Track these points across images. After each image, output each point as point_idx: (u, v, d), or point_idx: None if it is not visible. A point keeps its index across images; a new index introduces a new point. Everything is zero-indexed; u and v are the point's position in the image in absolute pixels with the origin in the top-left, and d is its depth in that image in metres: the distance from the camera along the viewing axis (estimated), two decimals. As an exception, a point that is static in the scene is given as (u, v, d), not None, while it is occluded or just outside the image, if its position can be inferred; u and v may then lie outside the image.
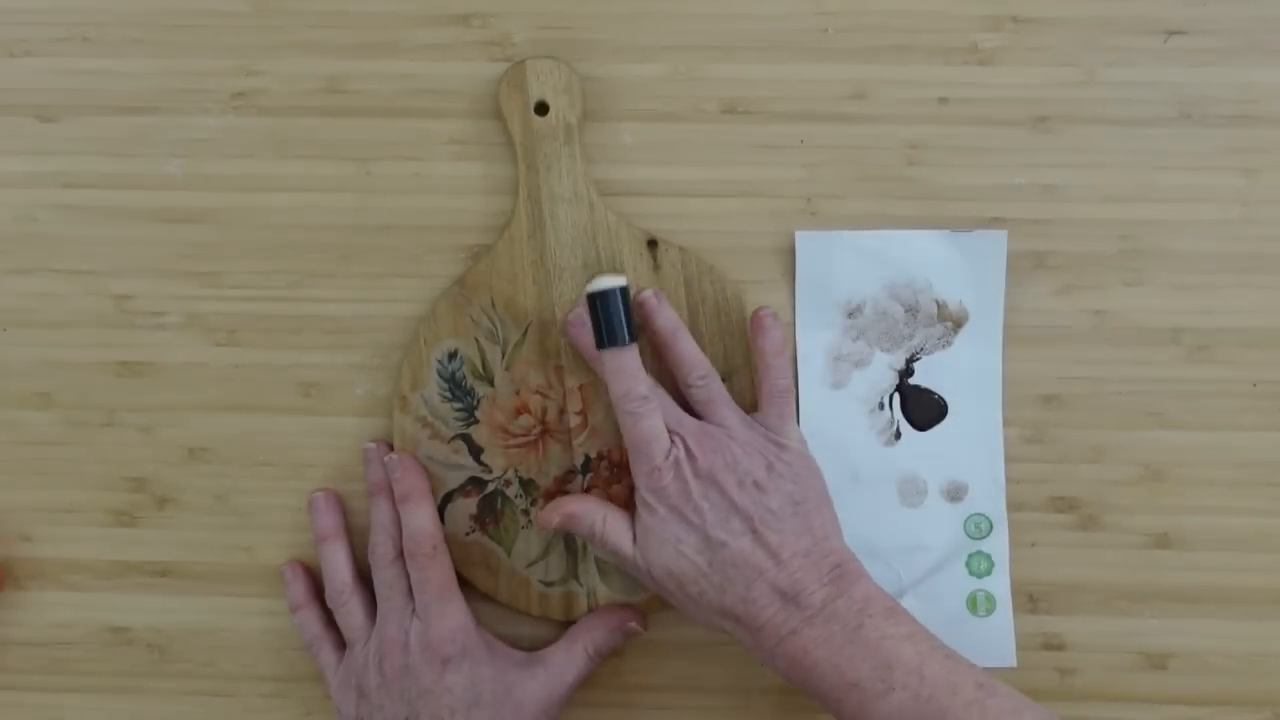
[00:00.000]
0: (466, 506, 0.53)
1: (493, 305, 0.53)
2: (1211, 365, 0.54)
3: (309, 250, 0.55)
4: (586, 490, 0.53)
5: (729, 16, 0.55)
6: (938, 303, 0.54)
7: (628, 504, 0.53)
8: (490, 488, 0.53)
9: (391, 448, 0.54)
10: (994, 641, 0.54)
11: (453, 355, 0.54)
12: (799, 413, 0.54)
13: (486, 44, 0.55)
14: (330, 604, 0.53)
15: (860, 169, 0.55)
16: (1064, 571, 0.55)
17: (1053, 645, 0.54)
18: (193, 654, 0.56)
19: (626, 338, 0.48)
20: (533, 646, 0.53)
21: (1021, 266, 0.54)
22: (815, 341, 0.54)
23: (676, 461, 0.48)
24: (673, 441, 0.48)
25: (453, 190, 0.56)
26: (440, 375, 0.54)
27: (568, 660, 0.52)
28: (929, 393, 0.55)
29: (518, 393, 0.53)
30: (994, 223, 0.54)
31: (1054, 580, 0.55)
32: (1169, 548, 0.54)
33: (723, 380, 0.53)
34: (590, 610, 0.53)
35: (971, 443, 0.54)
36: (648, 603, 0.53)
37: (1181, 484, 0.53)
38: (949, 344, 0.55)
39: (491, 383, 0.53)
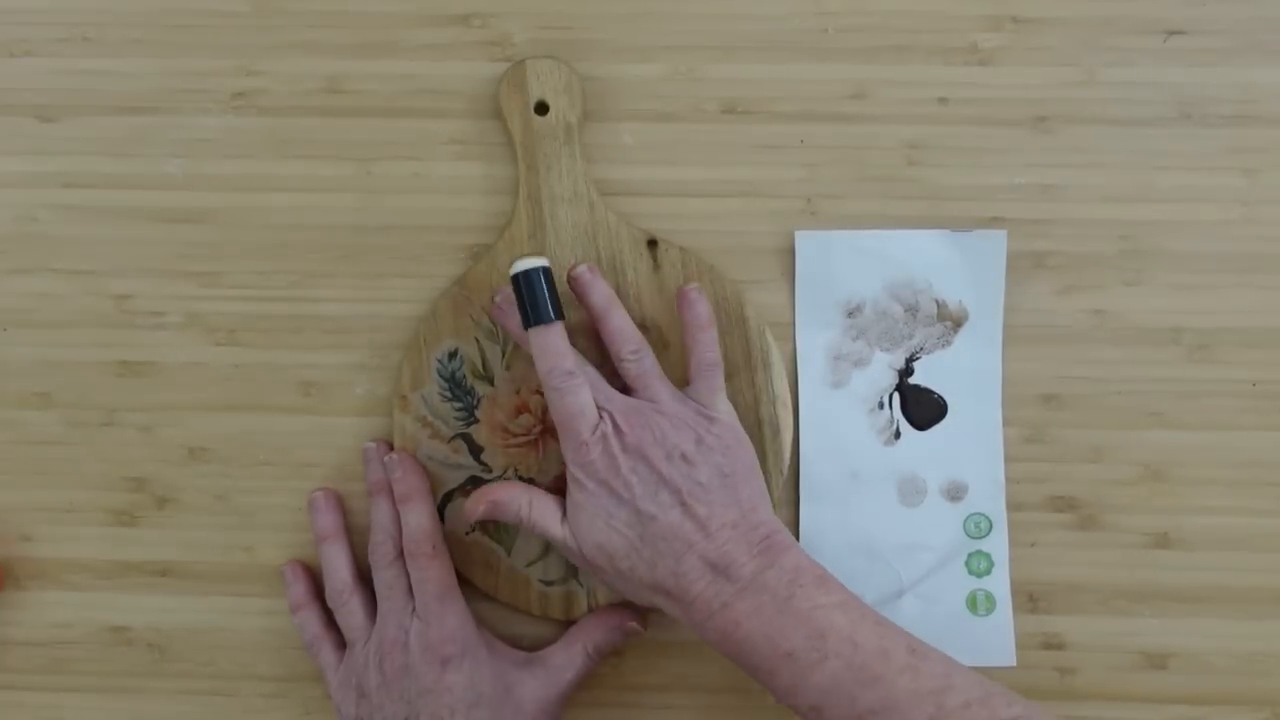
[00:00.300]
0: None
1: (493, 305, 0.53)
2: (1211, 365, 0.54)
3: (309, 250, 0.55)
4: None
5: (729, 16, 0.55)
6: (937, 302, 0.54)
7: None
8: None
9: (391, 447, 0.54)
10: (994, 641, 0.54)
11: (453, 355, 0.54)
12: (799, 412, 0.54)
13: (487, 44, 0.55)
14: (330, 604, 0.53)
15: (860, 169, 0.55)
16: (1064, 571, 0.54)
17: (1052, 645, 0.54)
18: (193, 654, 0.56)
19: (551, 315, 0.48)
20: (533, 646, 0.53)
21: (1021, 266, 0.54)
22: (815, 341, 0.55)
23: (604, 436, 0.48)
24: (600, 417, 0.48)
25: (453, 190, 0.56)
26: (440, 375, 0.54)
27: (567, 660, 0.52)
28: (929, 392, 0.55)
29: (518, 392, 0.53)
30: (994, 223, 0.54)
31: (1054, 580, 0.54)
32: (1169, 548, 0.54)
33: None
34: (590, 610, 0.53)
35: (971, 442, 0.54)
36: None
37: (1181, 484, 0.53)
38: (949, 344, 0.55)
39: (491, 382, 0.53)
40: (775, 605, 0.46)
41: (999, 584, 0.54)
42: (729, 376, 0.53)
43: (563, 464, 0.53)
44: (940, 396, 0.55)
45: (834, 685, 0.44)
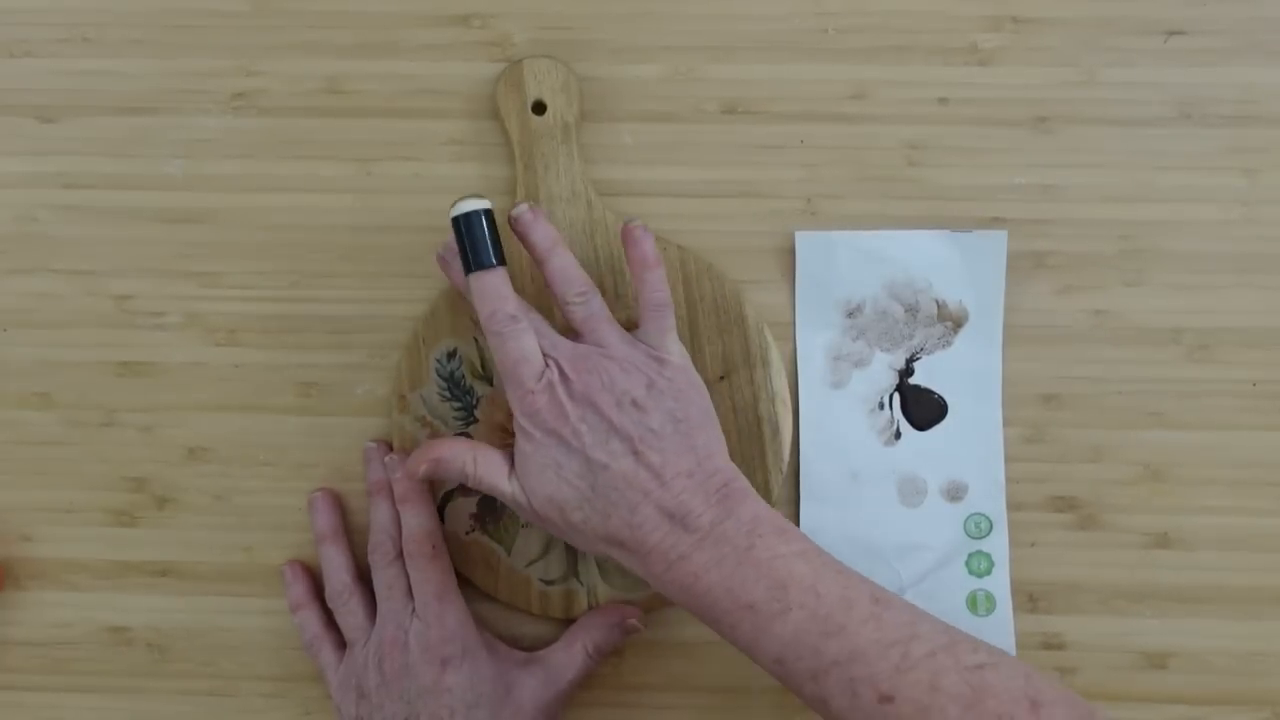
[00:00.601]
0: (466, 506, 0.53)
1: None
2: (1211, 365, 0.55)
3: (309, 250, 0.56)
4: None
5: (729, 17, 0.55)
6: (937, 303, 0.55)
7: None
8: None
9: (391, 448, 0.54)
10: (994, 640, 0.51)
11: (452, 354, 0.54)
12: (799, 411, 0.55)
13: (486, 44, 0.55)
14: (330, 604, 0.53)
15: (860, 169, 0.55)
16: (1064, 571, 0.55)
17: (1053, 645, 0.54)
18: (193, 654, 0.56)
19: (492, 259, 0.47)
20: (533, 646, 0.53)
21: (1021, 266, 0.55)
22: (815, 341, 0.55)
23: (550, 384, 0.47)
24: (546, 364, 0.47)
25: (452, 190, 0.54)
26: (439, 374, 0.54)
27: (567, 660, 0.52)
28: (929, 392, 0.55)
29: None
30: (994, 223, 0.55)
31: (1054, 580, 0.55)
32: (1169, 547, 0.54)
33: (721, 379, 0.53)
34: (590, 609, 0.53)
35: (971, 442, 0.54)
36: (649, 600, 0.53)
37: (1181, 484, 0.53)
38: (949, 344, 0.55)
39: (490, 382, 0.53)
40: (735, 556, 0.45)
41: (999, 584, 0.54)
42: (728, 374, 0.53)
43: None
44: (940, 397, 0.55)
45: (796, 637, 0.43)
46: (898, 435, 0.55)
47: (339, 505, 0.54)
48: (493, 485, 0.48)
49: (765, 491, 0.53)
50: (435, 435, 0.53)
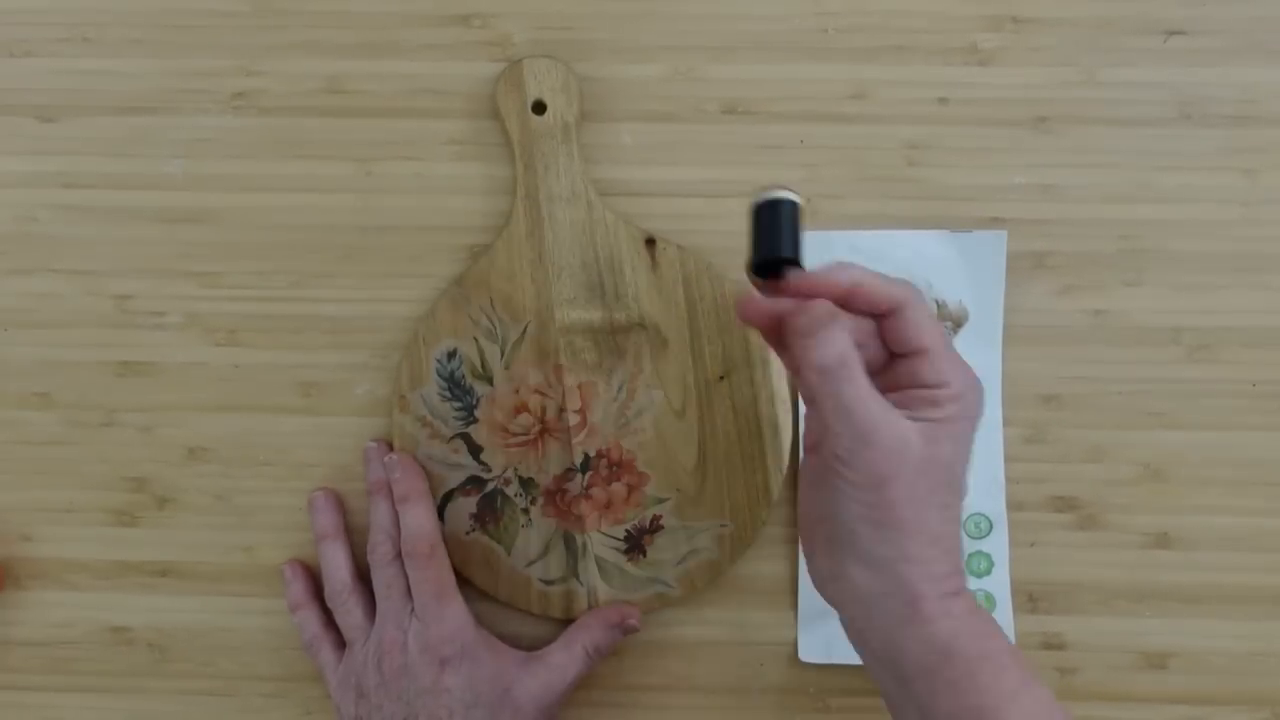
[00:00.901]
0: (466, 505, 0.54)
1: (491, 304, 0.54)
2: (1211, 365, 0.55)
3: (309, 250, 0.56)
4: (586, 489, 0.54)
5: (729, 17, 0.55)
6: (938, 302, 0.55)
7: (626, 503, 0.53)
8: (490, 487, 0.54)
9: (392, 447, 0.54)
10: None
11: (452, 354, 0.54)
12: (797, 417, 0.54)
13: (487, 44, 0.56)
14: (330, 603, 0.53)
15: (860, 169, 0.55)
16: (1064, 571, 0.55)
17: (1053, 645, 0.55)
18: (193, 654, 0.57)
19: (793, 253, 0.43)
20: (532, 645, 0.54)
21: (1021, 266, 0.55)
22: None
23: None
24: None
25: (452, 190, 0.56)
26: (439, 374, 0.54)
27: (567, 660, 0.52)
28: None
29: (517, 391, 0.54)
30: (994, 223, 0.55)
31: (1054, 580, 0.55)
32: (1169, 547, 0.54)
33: (720, 379, 0.54)
34: (589, 609, 0.54)
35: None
36: (648, 601, 0.54)
37: (1181, 484, 0.53)
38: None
39: (491, 382, 0.54)
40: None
41: (999, 584, 0.54)
42: (728, 373, 0.54)
43: (561, 463, 0.54)
44: None
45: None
46: None
47: (339, 505, 0.55)
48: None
49: (764, 492, 0.54)
50: (435, 435, 0.54)
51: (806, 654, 0.55)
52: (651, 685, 0.56)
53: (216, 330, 0.56)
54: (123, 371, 0.56)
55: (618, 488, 0.54)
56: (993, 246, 0.54)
